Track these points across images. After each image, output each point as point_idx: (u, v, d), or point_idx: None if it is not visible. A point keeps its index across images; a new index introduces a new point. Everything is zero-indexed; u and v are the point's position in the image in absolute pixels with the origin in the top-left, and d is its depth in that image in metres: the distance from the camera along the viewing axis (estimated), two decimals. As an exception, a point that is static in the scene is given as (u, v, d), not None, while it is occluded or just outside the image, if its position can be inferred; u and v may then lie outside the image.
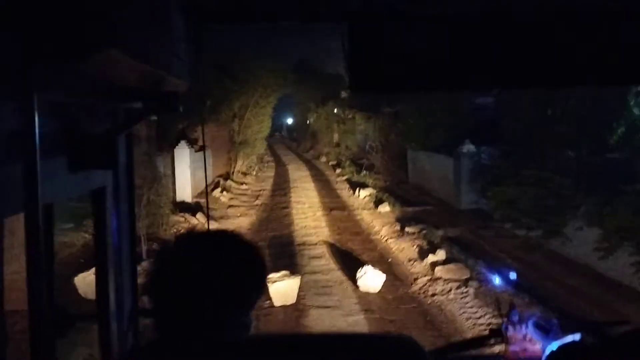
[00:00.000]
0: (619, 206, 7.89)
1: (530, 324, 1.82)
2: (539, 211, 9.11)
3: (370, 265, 8.15)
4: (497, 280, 7.68)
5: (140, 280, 1.55)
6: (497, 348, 1.92)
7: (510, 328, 1.83)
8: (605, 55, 1.42)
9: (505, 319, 1.85)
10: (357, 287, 7.85)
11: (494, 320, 6.00)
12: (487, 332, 1.96)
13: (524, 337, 1.81)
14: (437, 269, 8.46)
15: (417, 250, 9.89)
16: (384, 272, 8.11)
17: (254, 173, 23.72)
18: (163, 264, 1.08)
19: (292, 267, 8.56)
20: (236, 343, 1.01)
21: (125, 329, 1.64)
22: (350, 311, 7.12)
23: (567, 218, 8.87)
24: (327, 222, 12.94)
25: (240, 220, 13.16)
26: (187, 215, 12.49)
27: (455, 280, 8.03)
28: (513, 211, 9.70)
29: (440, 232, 10.93)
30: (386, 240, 11.07)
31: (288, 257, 9.63)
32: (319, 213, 14.11)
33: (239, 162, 21.55)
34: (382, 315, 6.96)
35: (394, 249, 10.34)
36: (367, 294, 7.70)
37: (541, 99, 9.43)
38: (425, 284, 8.16)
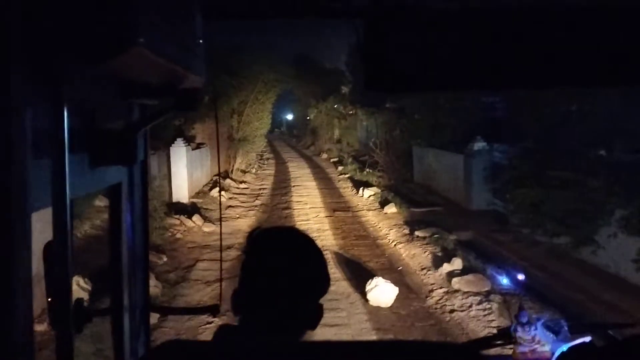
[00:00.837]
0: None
1: (539, 325, 1.83)
2: (566, 215, 8.29)
3: (380, 277, 7.43)
4: (521, 294, 6.93)
5: None
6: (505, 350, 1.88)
7: (519, 329, 1.83)
8: (626, 55, 1.33)
9: (514, 320, 1.86)
10: (366, 300, 7.12)
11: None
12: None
13: (533, 338, 1.81)
14: (454, 280, 7.73)
15: (429, 257, 9.16)
16: (395, 282, 7.39)
17: (254, 171, 23.17)
18: (250, 258, 1.17)
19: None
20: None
21: (137, 324, 1.68)
22: (360, 330, 6.37)
23: (599, 224, 8.08)
24: (330, 224, 12.23)
25: (238, 222, 12.43)
26: (183, 218, 11.79)
27: (476, 294, 7.30)
28: (536, 215, 8.88)
29: (453, 237, 10.18)
30: (395, 245, 10.34)
31: (290, 264, 8.91)
32: (322, 214, 13.40)
33: (238, 160, 21.08)
34: (397, 336, 6.21)
35: (404, 256, 9.61)
36: (379, 308, 6.97)
37: (563, 95, 8.69)
38: (442, 297, 7.43)
